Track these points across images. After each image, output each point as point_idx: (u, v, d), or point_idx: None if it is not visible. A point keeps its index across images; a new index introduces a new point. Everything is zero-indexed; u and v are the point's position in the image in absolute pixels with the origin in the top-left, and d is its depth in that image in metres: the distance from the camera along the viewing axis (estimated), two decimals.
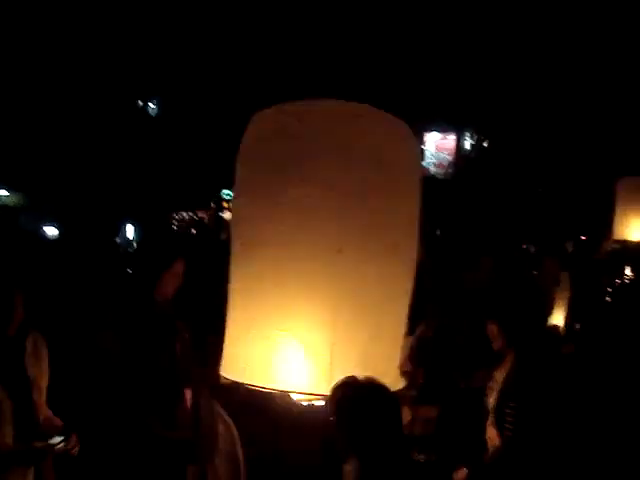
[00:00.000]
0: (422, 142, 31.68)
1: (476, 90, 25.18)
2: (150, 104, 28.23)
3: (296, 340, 3.07)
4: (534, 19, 22.68)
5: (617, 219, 8.36)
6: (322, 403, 3.16)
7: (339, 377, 3.05)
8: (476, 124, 30.08)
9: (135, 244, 17.85)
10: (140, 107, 27.80)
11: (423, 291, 3.88)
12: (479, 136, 30.56)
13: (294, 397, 3.24)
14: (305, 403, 3.25)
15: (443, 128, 31.65)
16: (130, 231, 21.31)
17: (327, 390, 3.06)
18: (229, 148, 3.56)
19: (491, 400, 3.72)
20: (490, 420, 3.67)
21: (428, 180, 31.40)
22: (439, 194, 27.56)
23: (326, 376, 3.06)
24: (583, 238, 14.90)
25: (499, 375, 3.73)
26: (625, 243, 8.30)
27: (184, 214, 24.92)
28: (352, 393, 2.90)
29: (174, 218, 25.12)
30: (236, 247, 3.31)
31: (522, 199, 24.41)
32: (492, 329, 3.74)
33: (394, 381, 3.13)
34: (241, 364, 3.24)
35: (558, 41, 22.62)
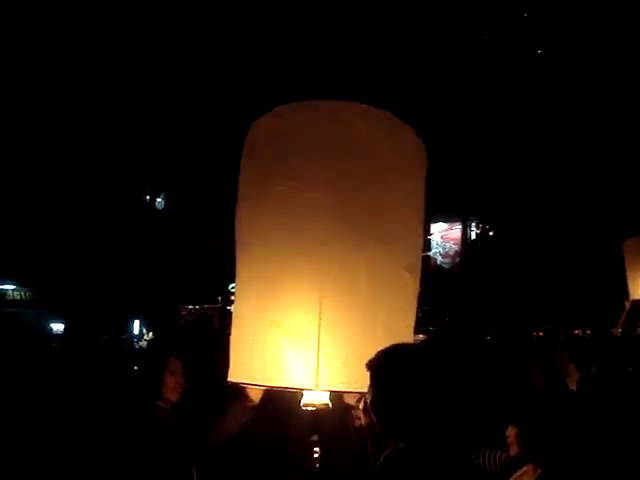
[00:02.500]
0: (428, 232, 31.82)
1: (480, 180, 25.44)
2: (158, 199, 28.54)
3: (284, 335, 3.04)
4: (535, 109, 23.06)
5: (630, 279, 8.30)
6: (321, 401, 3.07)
7: (327, 372, 2.95)
8: (481, 214, 30.25)
9: (142, 339, 17.76)
10: (148, 202, 28.10)
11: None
12: (484, 225, 30.69)
13: (302, 400, 3.15)
14: (310, 408, 3.14)
15: (449, 218, 31.81)
16: (137, 326, 21.23)
17: (312, 385, 2.97)
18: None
19: None
20: None
21: (435, 270, 31.48)
22: (446, 284, 27.52)
23: (312, 371, 2.99)
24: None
25: None
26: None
27: (191, 308, 24.85)
28: (395, 359, 2.65)
29: (181, 313, 25.05)
30: (236, 248, 3.36)
31: (529, 287, 24.32)
32: (512, 433, 3.38)
33: None
34: (239, 364, 3.23)
35: (558, 132, 22.95)
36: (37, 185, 22.48)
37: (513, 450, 3.37)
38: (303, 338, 3.03)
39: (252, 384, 3.27)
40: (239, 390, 3.58)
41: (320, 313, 3.02)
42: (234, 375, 3.27)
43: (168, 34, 21.98)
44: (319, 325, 3.01)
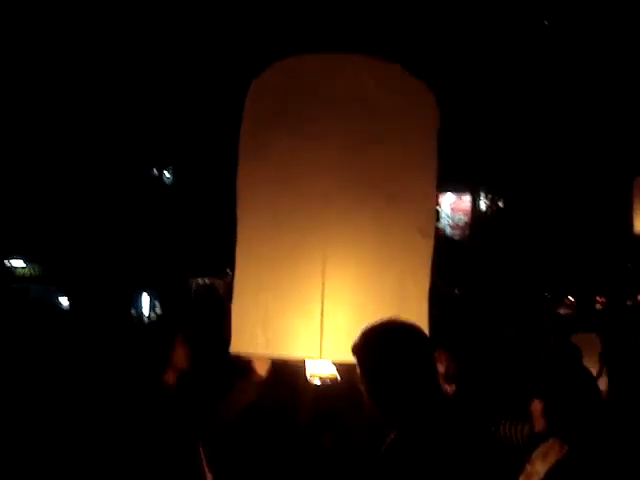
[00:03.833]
0: (437, 204, 31.62)
1: (489, 151, 25.20)
2: (165, 172, 28.41)
3: (286, 301, 2.88)
4: (545, 80, 22.81)
5: (636, 213, 8.29)
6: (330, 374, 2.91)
7: (331, 341, 2.78)
8: (490, 184, 30.02)
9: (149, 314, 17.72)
10: (155, 176, 27.96)
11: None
12: (494, 196, 30.48)
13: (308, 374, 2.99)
14: (317, 381, 2.99)
15: (458, 189, 31.59)
16: (145, 301, 21.21)
17: (316, 354, 2.81)
18: None
19: None
20: None
21: (444, 241, 31.35)
22: (456, 255, 27.42)
23: (316, 340, 2.82)
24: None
25: (540, 464, 3.15)
26: None
27: (199, 281, 24.82)
28: (379, 336, 2.45)
29: (190, 286, 25.03)
30: (237, 211, 3.20)
31: (539, 257, 24.15)
32: (536, 407, 3.26)
33: None
34: (241, 334, 3.07)
35: (567, 101, 22.70)
36: (45, 161, 22.40)
37: (539, 425, 3.21)
38: (306, 304, 2.85)
39: (255, 355, 3.12)
40: (246, 365, 3.45)
41: (323, 276, 2.84)
42: (236, 346, 3.11)
43: (168, 7, 21.71)
44: (323, 289, 2.83)
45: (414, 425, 2.35)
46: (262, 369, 3.48)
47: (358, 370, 2.49)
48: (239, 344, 3.08)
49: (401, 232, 2.98)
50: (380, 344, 2.44)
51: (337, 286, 2.84)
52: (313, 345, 2.80)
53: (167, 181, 28.66)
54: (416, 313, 2.94)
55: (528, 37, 23.06)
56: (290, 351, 2.89)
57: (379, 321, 2.51)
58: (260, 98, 3.22)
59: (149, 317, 16.96)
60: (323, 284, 2.83)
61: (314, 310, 2.82)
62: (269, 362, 3.41)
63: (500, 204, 30.29)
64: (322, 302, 2.82)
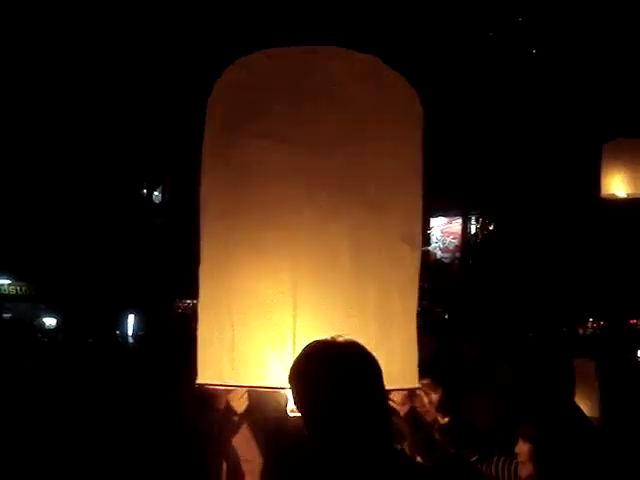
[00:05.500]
0: (428, 227, 31.57)
1: (480, 174, 25.20)
2: (155, 192, 28.28)
3: (254, 326, 2.57)
4: (532, 104, 22.94)
5: (604, 176, 8.23)
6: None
7: None
8: (481, 207, 30.00)
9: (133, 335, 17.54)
10: (145, 195, 27.85)
11: None
12: (484, 219, 30.44)
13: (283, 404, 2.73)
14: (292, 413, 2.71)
15: (448, 212, 31.54)
16: (131, 322, 21.00)
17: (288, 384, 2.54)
18: None
19: None
20: None
21: (435, 265, 31.23)
22: (446, 278, 27.33)
23: (288, 366, 2.36)
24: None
25: None
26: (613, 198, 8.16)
27: (188, 302, 24.65)
28: (311, 360, 2.08)
29: (178, 306, 24.87)
30: (200, 230, 2.88)
31: (530, 280, 24.09)
32: (522, 450, 2.89)
33: (387, 377, 2.22)
34: (206, 363, 2.75)
35: (556, 125, 22.79)
36: (33, 180, 22.28)
37: (526, 470, 2.89)
38: (276, 328, 2.57)
39: (222, 385, 2.84)
40: (210, 396, 3.23)
41: (295, 296, 2.54)
42: (202, 376, 2.84)
43: (157, 24, 21.67)
44: (294, 311, 2.55)
45: (349, 472, 2.00)
46: (238, 405, 3.24)
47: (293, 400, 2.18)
48: (205, 374, 2.80)
49: (383, 243, 2.63)
50: (311, 371, 2.09)
51: (310, 306, 2.53)
52: (284, 375, 2.52)
53: (157, 200, 28.53)
54: (403, 333, 2.66)
55: (517, 66, 23.32)
56: (259, 381, 2.62)
57: (316, 342, 2.17)
58: (223, 98, 2.87)
59: (134, 338, 16.75)
60: (294, 305, 2.54)
61: (285, 335, 2.54)
62: (245, 398, 3.17)
63: (491, 227, 30.26)
64: (294, 326, 2.53)
